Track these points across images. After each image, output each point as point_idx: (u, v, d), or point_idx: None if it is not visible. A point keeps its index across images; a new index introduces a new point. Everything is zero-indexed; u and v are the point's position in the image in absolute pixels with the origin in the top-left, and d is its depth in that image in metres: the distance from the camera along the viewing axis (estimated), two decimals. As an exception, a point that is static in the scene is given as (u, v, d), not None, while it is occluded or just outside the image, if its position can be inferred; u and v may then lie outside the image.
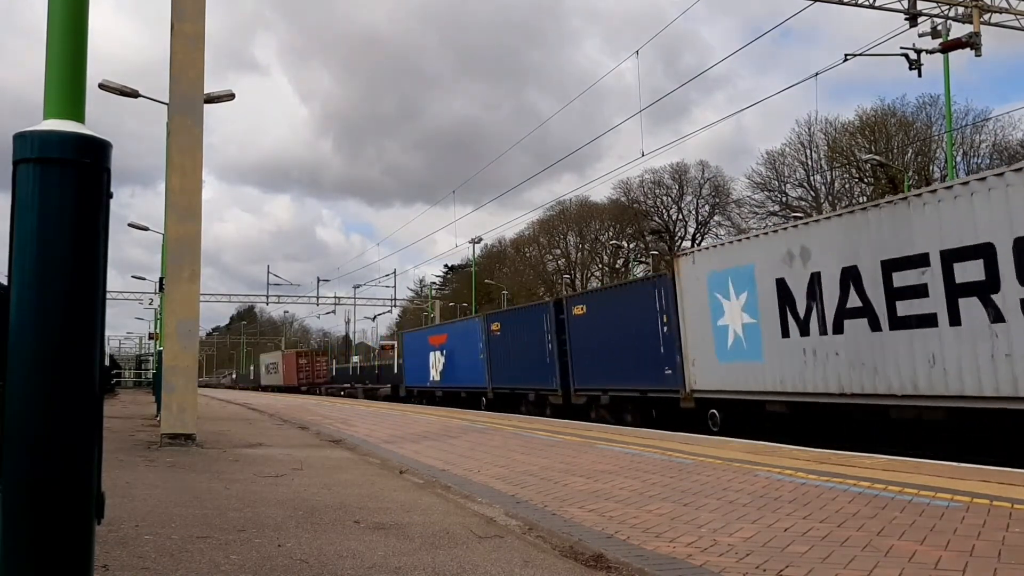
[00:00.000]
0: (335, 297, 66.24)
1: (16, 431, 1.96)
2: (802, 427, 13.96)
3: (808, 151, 53.80)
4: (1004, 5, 18.95)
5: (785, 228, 14.97)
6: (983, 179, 10.94)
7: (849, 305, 12.88)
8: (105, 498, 2.10)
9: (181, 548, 4.46)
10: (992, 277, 10.55)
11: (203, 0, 11.30)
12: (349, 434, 13.76)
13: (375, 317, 72.52)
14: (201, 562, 4.15)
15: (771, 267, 14.64)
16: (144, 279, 48.45)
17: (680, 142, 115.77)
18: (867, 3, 18.55)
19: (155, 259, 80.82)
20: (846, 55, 19.46)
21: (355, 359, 73.29)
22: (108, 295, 2.36)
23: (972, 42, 17.89)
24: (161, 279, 16.84)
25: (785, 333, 14.27)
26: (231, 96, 16.27)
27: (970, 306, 10.83)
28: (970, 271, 10.84)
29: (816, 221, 14.39)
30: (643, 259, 61.27)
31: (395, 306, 68.06)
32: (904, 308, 11.87)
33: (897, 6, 18.39)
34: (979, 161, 47.09)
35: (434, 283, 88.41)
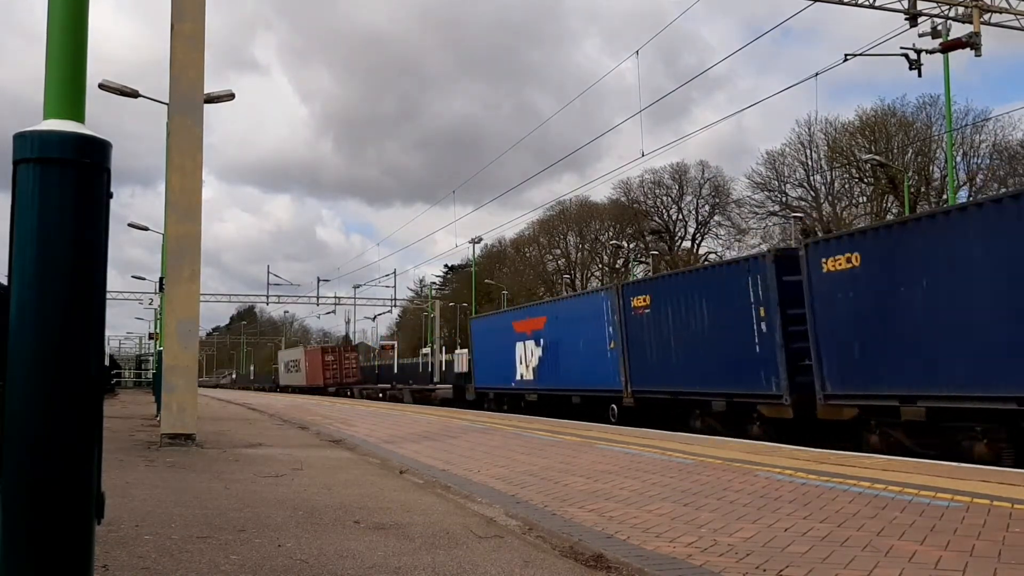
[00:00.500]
0: (335, 297, 66.11)
1: (16, 431, 1.96)
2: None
3: (808, 151, 53.86)
4: (1004, 5, 18.94)
5: None
6: None
7: None
8: (105, 498, 2.10)
9: (181, 548, 4.46)
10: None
11: (203, 0, 11.30)
12: (349, 434, 13.76)
13: (375, 317, 72.36)
14: (201, 562, 4.14)
15: None
16: (144, 279, 48.52)
17: (680, 142, 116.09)
18: (867, 3, 18.53)
19: (155, 259, 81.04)
20: (846, 55, 19.43)
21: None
22: (108, 295, 2.36)
23: (972, 42, 17.86)
24: (161, 279, 16.86)
25: None
26: (231, 96, 16.29)
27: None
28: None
29: None
30: (643, 259, 61.27)
31: (395, 306, 68.10)
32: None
33: (897, 6, 18.38)
34: (979, 161, 47.22)
35: (434, 283, 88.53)
